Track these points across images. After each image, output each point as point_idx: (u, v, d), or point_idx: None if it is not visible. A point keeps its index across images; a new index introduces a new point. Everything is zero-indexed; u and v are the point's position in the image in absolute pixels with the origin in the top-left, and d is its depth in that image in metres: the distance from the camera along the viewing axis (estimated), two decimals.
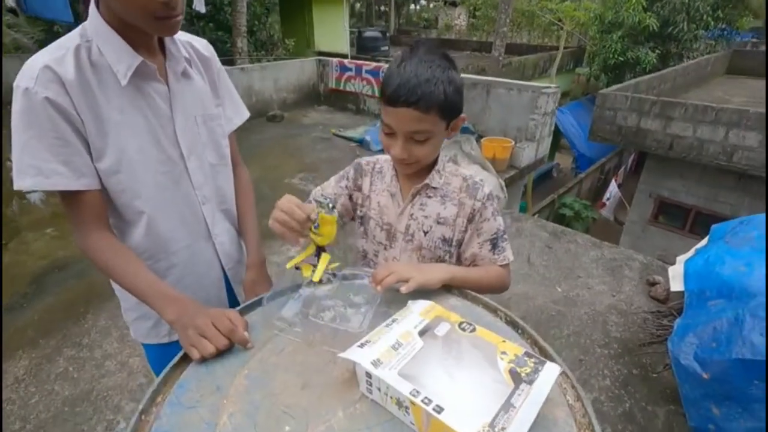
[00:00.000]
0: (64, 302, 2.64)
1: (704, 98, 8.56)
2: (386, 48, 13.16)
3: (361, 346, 0.68)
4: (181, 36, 0.95)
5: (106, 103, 0.81)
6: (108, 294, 2.68)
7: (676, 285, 1.86)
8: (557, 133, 10.30)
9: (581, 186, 10.63)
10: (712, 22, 10.09)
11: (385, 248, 1.06)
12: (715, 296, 1.63)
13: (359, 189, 1.07)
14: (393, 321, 0.76)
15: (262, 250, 1.13)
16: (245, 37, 7.77)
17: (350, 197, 1.08)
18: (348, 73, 7.18)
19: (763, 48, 13.76)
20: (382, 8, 25.44)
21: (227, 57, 8.20)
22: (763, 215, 1.97)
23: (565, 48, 12.39)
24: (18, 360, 2.20)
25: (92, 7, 0.80)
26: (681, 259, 2.01)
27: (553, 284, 2.93)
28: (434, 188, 0.99)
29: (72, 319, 2.48)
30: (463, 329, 0.74)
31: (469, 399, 0.60)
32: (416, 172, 0.97)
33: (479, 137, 5.20)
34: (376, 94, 6.89)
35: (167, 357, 0.80)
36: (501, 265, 1.00)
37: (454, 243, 1.01)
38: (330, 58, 7.64)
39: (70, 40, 0.80)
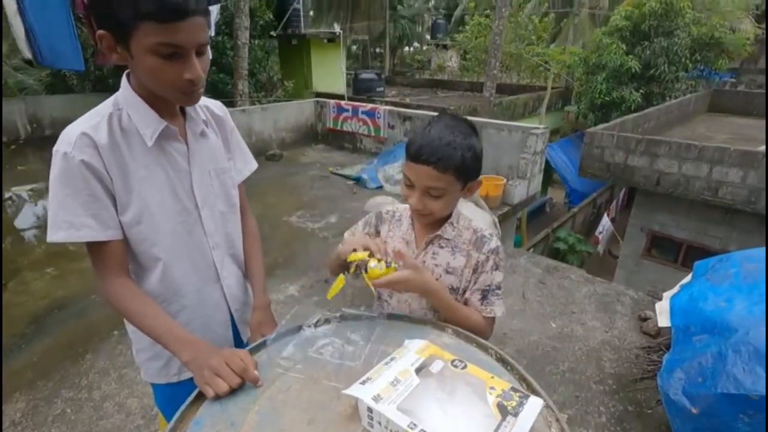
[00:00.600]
0: (63, 343, 2.65)
1: (688, 135, 8.91)
2: (381, 89, 13.65)
3: (363, 383, 0.75)
4: (209, 104, 1.10)
5: (133, 162, 0.92)
6: (107, 334, 2.71)
7: (663, 321, 1.93)
8: (549, 169, 10.59)
9: (575, 220, 10.81)
10: (691, 64, 10.63)
11: (399, 291, 1.12)
12: (700, 331, 1.70)
13: (378, 234, 1.16)
14: (391, 359, 0.83)
15: (268, 293, 1.20)
16: (246, 79, 8.10)
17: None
18: (345, 114, 7.46)
19: (742, 88, 14.43)
20: (378, 50, 26.51)
21: (228, 99, 8.51)
22: (743, 252, 2.07)
23: (553, 88, 12.93)
24: (15, 402, 2.19)
25: (124, 80, 0.93)
26: (667, 295, 2.08)
27: (547, 320, 2.98)
28: (447, 239, 1.06)
29: (70, 360, 2.49)
30: (456, 366, 0.81)
31: (462, 431, 0.67)
32: (431, 223, 1.06)
33: None
34: (372, 133, 7.13)
35: (176, 396, 0.86)
36: (485, 316, 1.06)
37: (460, 292, 1.07)
38: (328, 100, 7.95)
39: (105, 108, 0.92)
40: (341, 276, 0.99)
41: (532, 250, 8.11)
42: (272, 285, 3.32)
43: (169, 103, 0.95)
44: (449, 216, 1.07)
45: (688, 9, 9.98)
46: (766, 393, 1.39)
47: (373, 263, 0.92)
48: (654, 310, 2.65)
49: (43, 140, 7.88)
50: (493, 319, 1.08)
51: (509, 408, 0.70)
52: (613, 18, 10.94)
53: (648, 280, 7.23)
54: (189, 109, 1.00)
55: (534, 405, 0.72)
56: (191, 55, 0.82)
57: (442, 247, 1.07)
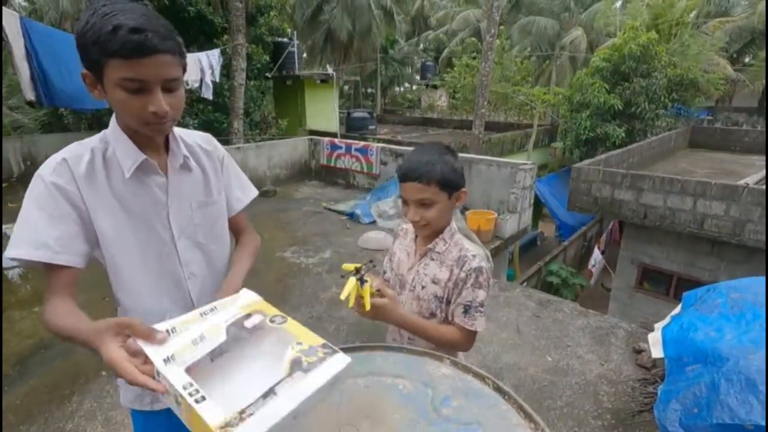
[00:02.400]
0: (49, 384, 2.57)
1: (671, 170, 9.21)
2: (373, 127, 14.01)
3: (169, 332, 0.71)
4: (189, 134, 1.14)
5: (110, 191, 0.97)
6: (94, 374, 2.64)
7: (656, 352, 1.95)
8: (539, 203, 10.78)
9: (566, 253, 10.90)
10: (669, 103, 11.16)
11: (398, 294, 1.27)
12: (692, 362, 1.72)
13: (392, 250, 1.37)
14: (211, 310, 0.81)
15: (240, 283, 1.09)
16: (241, 118, 8.30)
17: (390, 259, 1.38)
18: (338, 151, 7.62)
19: (718, 125, 15.06)
20: (369, 90, 27.40)
21: (224, 137, 8.67)
22: (729, 282, 2.13)
23: (539, 125, 13.40)
24: None
25: (113, 118, 0.99)
26: (659, 326, 2.11)
27: (543, 353, 2.97)
28: (438, 252, 1.20)
29: (56, 402, 2.41)
30: (273, 321, 0.80)
31: (241, 389, 0.64)
32: (429, 237, 1.21)
33: (464, 210, 5.46)
34: (365, 170, 7.27)
35: (151, 424, 0.85)
36: (467, 329, 1.16)
37: (444, 300, 1.20)
38: (321, 138, 8.14)
39: (91, 141, 0.98)
40: (352, 279, 1.10)
41: (525, 283, 8.12)
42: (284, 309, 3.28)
43: (150, 138, 0.98)
44: (442, 231, 1.20)
45: (663, 53, 10.60)
46: (766, 416, 1.40)
47: (370, 281, 1.10)
48: (648, 342, 2.67)
49: None
50: (473, 333, 1.18)
51: (304, 364, 0.67)
52: (593, 60, 11.54)
53: (641, 313, 7.24)
54: (172, 144, 1.04)
55: (337, 362, 0.69)
56: (155, 90, 0.86)
57: (433, 260, 1.21)
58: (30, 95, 3.91)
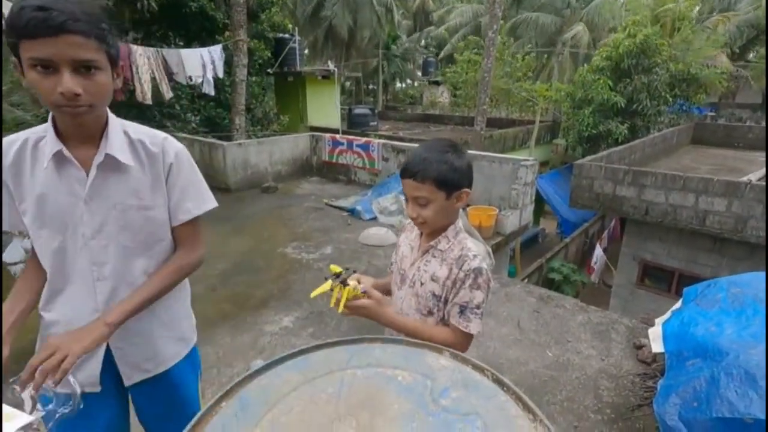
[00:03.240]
0: None
1: (673, 166, 9.17)
2: (375, 123, 13.98)
3: None
4: (138, 131, 1.08)
5: (32, 179, 0.99)
6: None
7: (657, 346, 1.95)
8: (540, 200, 10.77)
9: (567, 250, 10.89)
10: (671, 99, 11.10)
11: (398, 288, 1.28)
12: (692, 356, 1.73)
13: (398, 243, 1.36)
14: None
15: (121, 317, 1.04)
16: (243, 114, 8.29)
17: (396, 253, 1.37)
18: (340, 147, 7.62)
19: (722, 121, 15.00)
20: (371, 86, 27.35)
21: (225, 133, 8.67)
22: (730, 278, 2.13)
23: (541, 122, 13.35)
24: None
25: None
26: (659, 321, 2.12)
27: (543, 349, 2.98)
28: (440, 250, 1.18)
29: None
30: None
31: None
32: (433, 234, 1.19)
33: (465, 206, 5.46)
34: (367, 166, 7.27)
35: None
36: (461, 330, 1.13)
37: (442, 299, 1.17)
38: (323, 134, 8.13)
39: (35, 129, 1.01)
40: (329, 282, 1.13)
41: (526, 280, 8.12)
42: (267, 317, 3.30)
43: (78, 128, 0.97)
44: (446, 229, 1.18)
45: (664, 48, 10.53)
46: (766, 410, 1.40)
47: (352, 284, 1.12)
48: (648, 338, 2.67)
49: None
50: (468, 335, 1.15)
51: None
52: (594, 59, 11.49)
53: (642, 309, 7.23)
54: (104, 140, 1.00)
55: None
56: (62, 70, 0.85)
57: (434, 257, 1.19)
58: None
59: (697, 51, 11.04)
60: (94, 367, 1.10)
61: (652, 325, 2.44)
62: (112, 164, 1.01)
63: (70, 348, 0.94)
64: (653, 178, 6.57)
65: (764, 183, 5.82)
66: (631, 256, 7.85)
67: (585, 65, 12.33)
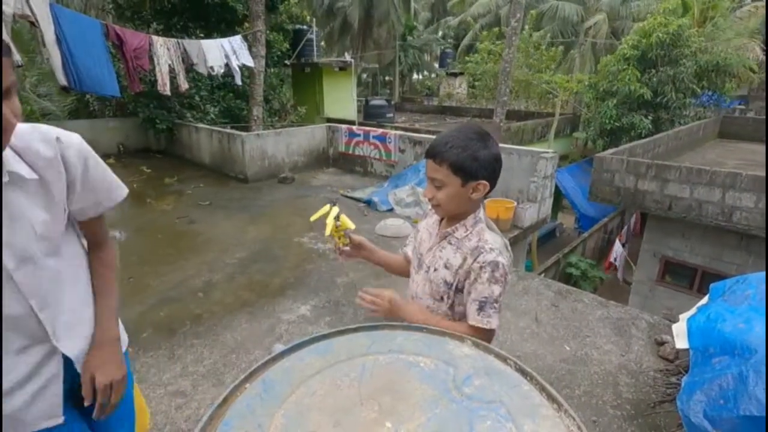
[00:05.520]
0: None
1: (698, 161, 8.89)
2: (391, 115, 13.92)
3: None
4: (23, 137, 0.88)
5: None
6: None
7: (681, 342, 1.90)
8: (559, 194, 10.59)
9: (585, 245, 10.71)
10: (698, 90, 10.72)
11: (415, 272, 1.30)
12: (719, 353, 1.68)
13: (418, 227, 1.37)
14: None
15: (117, 327, 1.08)
16: (261, 105, 8.35)
17: (415, 237, 1.39)
18: (357, 138, 7.61)
19: (751, 114, 14.43)
20: (387, 78, 27.19)
21: (244, 123, 8.76)
22: (760, 274, 2.06)
23: (561, 114, 13.07)
24: None
25: None
26: (684, 317, 2.06)
27: (561, 343, 2.94)
28: (456, 238, 1.18)
29: None
30: None
31: None
32: (451, 221, 1.20)
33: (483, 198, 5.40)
34: (383, 157, 7.25)
35: None
36: (481, 328, 1.12)
37: (453, 287, 1.18)
38: (340, 125, 8.13)
39: None
40: (327, 205, 1.32)
41: (543, 275, 8.03)
42: (284, 305, 3.33)
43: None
44: (465, 218, 1.18)
45: (694, 38, 10.15)
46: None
47: (343, 217, 1.34)
48: (671, 334, 2.61)
49: None
50: (488, 331, 1.13)
51: None
52: (621, 47, 11.14)
53: (663, 306, 7.09)
54: (5, 154, 0.84)
55: None
56: None
57: (450, 244, 1.19)
58: (63, 80, 4.01)
59: (727, 41, 10.62)
60: (55, 394, 0.97)
61: (675, 321, 2.39)
62: (11, 182, 0.86)
63: (113, 376, 1.00)
64: (678, 172, 6.38)
65: None
66: (651, 253, 7.67)
67: (608, 56, 11.99)
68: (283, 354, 0.96)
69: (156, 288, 3.60)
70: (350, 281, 3.72)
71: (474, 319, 1.12)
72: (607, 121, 10.96)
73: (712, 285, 2.17)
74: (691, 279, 7.32)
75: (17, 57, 3.95)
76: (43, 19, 3.78)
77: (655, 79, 10.47)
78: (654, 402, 2.30)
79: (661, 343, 2.80)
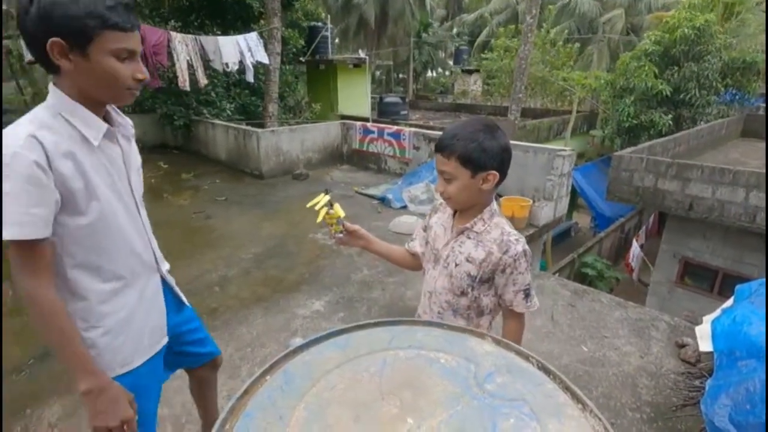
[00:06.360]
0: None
1: (721, 160, 8.66)
2: (405, 112, 13.86)
3: None
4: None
5: (84, 164, 0.97)
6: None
7: (705, 345, 1.85)
8: (574, 193, 10.43)
9: (602, 245, 10.54)
10: (722, 89, 10.43)
11: (432, 267, 1.29)
12: (745, 356, 1.63)
13: (428, 223, 1.36)
14: None
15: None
16: (276, 102, 8.39)
17: (424, 229, 1.37)
18: (371, 135, 7.60)
19: None
20: (401, 75, 27.10)
21: (258, 120, 8.81)
22: None
23: (577, 112, 12.86)
24: (52, 406, 2.26)
25: (53, 89, 0.96)
26: (708, 319, 2.01)
27: (578, 343, 2.90)
28: (476, 232, 1.19)
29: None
30: None
31: None
32: (466, 216, 1.20)
33: (498, 196, 5.35)
34: (398, 154, 7.23)
35: (143, 373, 1.14)
36: (524, 312, 1.23)
37: (477, 280, 1.20)
38: (354, 122, 8.13)
39: (44, 115, 0.95)
40: (322, 194, 1.36)
41: (557, 274, 7.93)
42: (298, 300, 3.35)
43: (100, 108, 1.02)
44: (481, 211, 1.19)
45: (719, 35, 9.87)
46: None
47: (336, 211, 1.37)
48: (692, 337, 2.55)
49: None
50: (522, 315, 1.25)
51: None
52: (643, 42, 10.89)
53: (682, 308, 6.93)
54: (115, 115, 1.09)
55: None
56: (137, 59, 0.99)
57: (469, 238, 1.20)
58: None
59: (753, 36, 10.30)
60: (161, 315, 1.24)
61: (697, 323, 2.33)
62: (130, 135, 1.16)
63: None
64: (699, 171, 6.22)
65: None
66: (671, 254, 7.51)
67: (626, 53, 11.74)
68: (302, 347, 0.96)
69: None
70: (364, 278, 3.72)
71: (524, 306, 1.20)
72: (624, 119, 10.75)
73: (737, 286, 2.11)
74: (711, 281, 7.14)
75: None
76: None
77: (677, 76, 10.22)
78: (676, 405, 2.24)
79: (682, 346, 2.73)
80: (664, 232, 7.71)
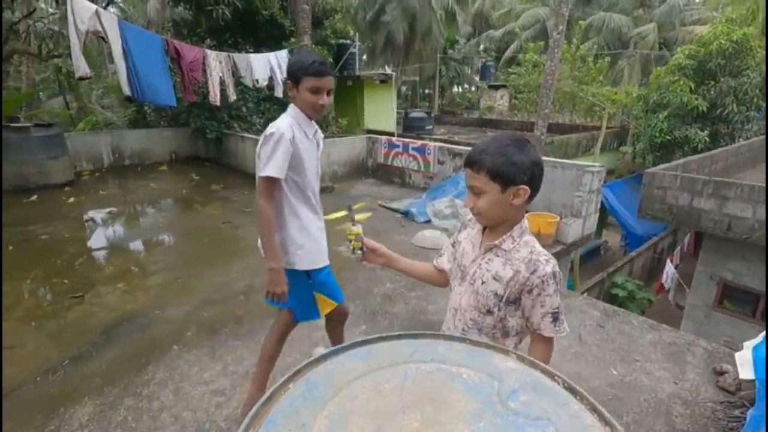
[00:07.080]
0: (129, 353, 2.81)
1: (761, 179, 8.25)
2: (430, 127, 13.93)
3: None
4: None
5: (302, 145, 1.82)
6: (168, 348, 2.85)
7: (745, 372, 1.75)
8: (604, 210, 10.14)
9: (633, 264, 10.16)
10: (763, 104, 10.01)
11: (459, 284, 1.28)
12: None
13: (456, 238, 1.36)
14: None
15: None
16: None
17: (452, 245, 1.36)
18: (396, 150, 7.66)
19: None
20: (427, 91, 27.29)
21: None
22: None
23: (607, 128, 12.58)
24: (84, 406, 2.34)
25: (293, 108, 1.83)
26: (749, 345, 1.90)
27: (607, 366, 2.79)
28: (504, 250, 1.16)
29: (134, 370, 2.63)
30: None
31: None
32: (495, 232, 1.18)
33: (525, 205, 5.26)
34: (422, 169, 7.25)
35: (323, 274, 2.03)
36: (553, 337, 1.18)
37: (503, 300, 1.16)
38: (379, 136, 8.22)
39: (288, 120, 1.79)
40: (345, 212, 1.58)
41: (585, 294, 7.67)
42: None
43: (312, 118, 1.88)
44: (511, 228, 1.16)
45: (759, 49, 9.53)
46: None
47: (356, 227, 1.50)
48: (732, 363, 2.42)
49: (123, 168, 8.71)
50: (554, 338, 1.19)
51: None
52: (676, 57, 10.62)
53: (720, 334, 6.58)
54: (314, 124, 1.93)
55: None
56: (324, 93, 1.78)
57: (497, 256, 1.17)
58: (127, 91, 4.33)
59: None
60: (324, 239, 2.05)
61: (737, 349, 2.21)
62: (320, 136, 2.00)
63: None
64: (739, 189, 5.95)
65: None
66: (708, 275, 7.16)
67: (659, 67, 11.46)
68: (325, 356, 0.97)
69: (200, 289, 3.74)
70: (387, 291, 3.71)
71: (552, 330, 1.15)
72: (657, 135, 10.44)
73: None
74: (753, 306, 6.75)
75: (87, 70, 4.30)
76: (112, 34, 4.13)
77: (713, 91, 9.88)
78: None
79: (721, 373, 2.59)
80: (701, 253, 7.37)
